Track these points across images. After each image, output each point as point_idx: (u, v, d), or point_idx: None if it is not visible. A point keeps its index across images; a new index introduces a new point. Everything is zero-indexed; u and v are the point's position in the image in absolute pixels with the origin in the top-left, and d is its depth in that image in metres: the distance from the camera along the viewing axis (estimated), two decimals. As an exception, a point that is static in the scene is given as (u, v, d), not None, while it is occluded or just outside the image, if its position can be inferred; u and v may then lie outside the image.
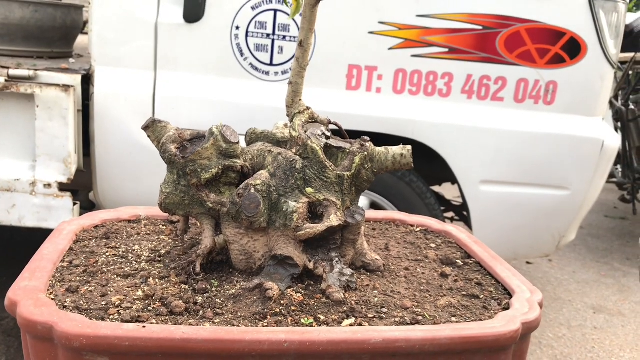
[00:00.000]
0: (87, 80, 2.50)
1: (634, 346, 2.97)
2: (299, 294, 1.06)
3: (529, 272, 3.87)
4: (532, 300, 1.08)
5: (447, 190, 3.47)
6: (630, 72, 4.42)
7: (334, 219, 1.09)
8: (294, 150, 1.16)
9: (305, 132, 1.17)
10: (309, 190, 1.12)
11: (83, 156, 2.57)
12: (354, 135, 2.59)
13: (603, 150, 2.64)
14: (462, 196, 2.67)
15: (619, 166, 4.72)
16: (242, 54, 2.46)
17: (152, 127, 1.16)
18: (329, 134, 1.21)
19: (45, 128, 2.37)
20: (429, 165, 2.70)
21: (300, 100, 1.23)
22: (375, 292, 1.11)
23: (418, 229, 1.50)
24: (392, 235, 1.45)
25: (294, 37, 2.47)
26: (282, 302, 1.03)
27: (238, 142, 1.14)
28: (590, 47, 2.53)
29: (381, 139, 2.63)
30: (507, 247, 2.77)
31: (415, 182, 2.68)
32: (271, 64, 2.49)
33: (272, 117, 2.51)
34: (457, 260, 1.30)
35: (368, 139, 1.20)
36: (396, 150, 1.20)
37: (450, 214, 3.38)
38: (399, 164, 1.19)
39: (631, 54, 4.34)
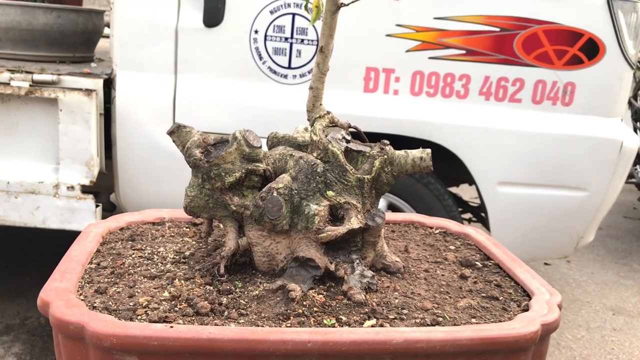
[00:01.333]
0: (109, 84, 2.54)
1: (654, 348, 2.95)
2: (320, 295, 1.09)
3: (547, 274, 3.86)
4: (551, 302, 1.09)
5: (464, 192, 3.47)
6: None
7: (354, 222, 1.11)
8: (315, 154, 1.18)
9: (326, 136, 1.19)
10: (330, 193, 1.14)
11: (105, 159, 2.62)
12: (372, 137, 2.61)
13: (622, 151, 2.63)
14: (480, 197, 2.67)
15: (638, 167, 4.68)
16: (260, 58, 2.49)
17: (177, 132, 1.19)
18: (349, 137, 1.23)
19: (69, 131, 2.42)
20: (447, 166, 2.71)
21: (320, 104, 1.25)
22: (396, 293, 1.13)
23: (437, 231, 1.51)
24: (411, 237, 1.46)
25: (312, 41, 2.49)
26: (304, 303, 1.05)
27: (260, 147, 1.17)
28: (608, 47, 2.52)
29: (399, 141, 2.64)
30: (525, 248, 2.77)
31: (432, 183, 2.69)
32: (289, 67, 2.51)
33: (291, 120, 2.53)
34: (477, 262, 1.31)
35: (388, 142, 1.22)
36: (416, 153, 1.21)
37: (467, 215, 3.38)
38: (418, 167, 1.21)
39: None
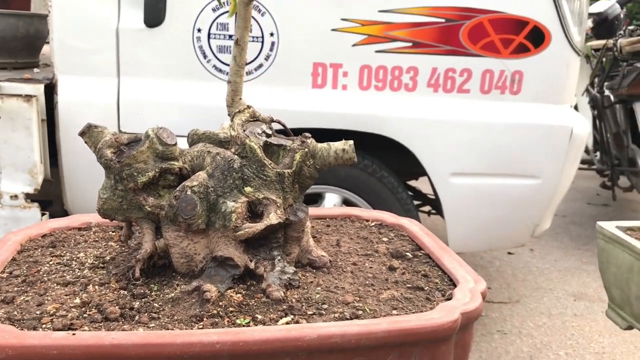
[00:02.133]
0: (52, 90, 2.48)
1: (613, 331, 2.97)
2: (239, 295, 1.05)
3: (511, 262, 3.88)
4: (474, 290, 1.08)
5: (425, 185, 3.46)
6: (605, 59, 4.43)
7: (273, 218, 1.08)
8: (232, 150, 1.15)
9: (244, 131, 1.16)
10: (247, 189, 1.11)
11: (51, 166, 2.55)
12: (322, 133, 2.59)
13: (572, 137, 2.64)
14: (433, 189, 2.67)
15: (597, 153, 4.73)
16: (205, 57, 2.45)
17: (89, 133, 1.15)
18: (270, 132, 1.20)
19: (9, 139, 2.35)
20: (401, 160, 2.70)
21: (240, 99, 1.22)
22: (318, 288, 1.10)
23: (373, 224, 1.49)
24: (345, 231, 1.44)
25: (257, 37, 2.46)
26: (220, 303, 1.02)
27: (175, 144, 1.13)
28: (554, 35, 2.53)
29: (350, 136, 2.62)
30: (481, 238, 2.78)
31: (386, 177, 2.67)
32: (235, 65, 2.47)
33: (239, 119, 2.49)
34: (407, 253, 1.29)
35: (309, 135, 1.19)
36: (338, 145, 1.19)
37: (427, 208, 3.38)
38: (341, 159, 1.18)
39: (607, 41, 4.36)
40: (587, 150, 4.95)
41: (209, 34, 2.43)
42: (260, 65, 2.47)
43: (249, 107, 1.22)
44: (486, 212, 2.67)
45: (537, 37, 2.52)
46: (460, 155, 2.58)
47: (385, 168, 2.68)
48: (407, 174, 3.06)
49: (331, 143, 1.20)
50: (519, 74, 2.55)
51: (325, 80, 2.52)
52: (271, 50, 2.47)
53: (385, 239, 1.38)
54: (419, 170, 2.85)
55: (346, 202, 2.71)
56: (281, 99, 2.50)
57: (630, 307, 1.43)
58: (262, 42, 2.46)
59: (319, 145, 1.19)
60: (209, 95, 2.47)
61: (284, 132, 1.29)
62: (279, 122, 1.26)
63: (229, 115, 1.23)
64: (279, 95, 2.49)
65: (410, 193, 3.41)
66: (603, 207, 5.15)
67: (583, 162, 4.97)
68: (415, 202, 3.41)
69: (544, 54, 2.54)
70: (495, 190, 2.64)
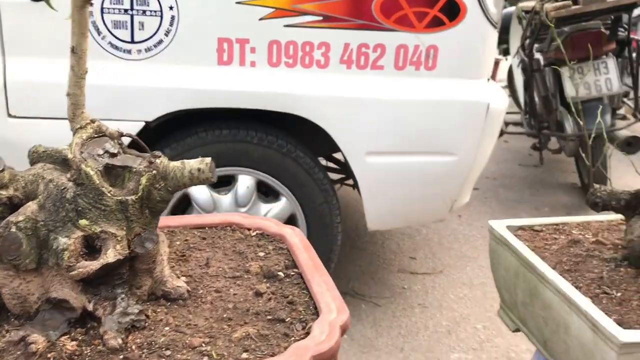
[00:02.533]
0: None
1: (530, 302, 3.02)
2: (74, 342, 0.95)
3: (438, 230, 3.89)
4: (334, 323, 1.01)
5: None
6: (534, 22, 4.38)
7: (110, 255, 0.98)
8: (68, 175, 1.02)
9: (81, 153, 1.03)
10: (82, 222, 1.00)
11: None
12: (233, 113, 2.46)
13: (489, 112, 2.59)
14: (350, 169, 2.59)
15: (527, 116, 4.75)
16: (99, 33, 2.26)
17: None
18: (115, 150, 1.07)
19: None
20: (317, 139, 2.60)
21: (82, 112, 1.09)
22: (167, 328, 1.01)
23: (254, 234, 1.40)
24: (222, 244, 1.34)
25: (155, 12, 2.28)
26: (49, 355, 0.92)
27: (3, 170, 1.00)
28: (469, 7, 2.44)
29: (264, 115, 2.51)
30: (399, 215, 2.74)
31: (302, 157, 2.58)
32: (132, 42, 2.30)
33: (140, 98, 2.35)
34: (279, 273, 1.21)
35: (159, 154, 1.08)
36: (193, 164, 1.08)
37: (352, 181, 3.33)
38: (197, 180, 1.08)
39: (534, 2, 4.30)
40: (520, 111, 4.97)
41: (102, 8, 2.24)
42: (160, 42, 2.31)
43: (92, 121, 1.09)
44: (403, 190, 2.63)
45: (452, 10, 2.43)
46: (376, 134, 2.50)
47: (301, 148, 2.58)
48: (326, 152, 2.97)
49: (185, 161, 1.08)
50: (434, 48, 2.47)
51: (232, 56, 2.38)
52: (171, 25, 2.30)
53: (262, 254, 1.30)
54: (336, 149, 2.78)
55: (261, 184, 2.61)
56: (185, 78, 2.35)
57: (518, 311, 1.41)
58: (161, 16, 2.29)
59: (172, 164, 1.08)
60: (105, 74, 2.29)
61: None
62: (129, 136, 1.13)
63: (71, 130, 1.10)
64: (182, 73, 2.35)
65: (336, 166, 3.35)
66: (534, 169, 5.22)
67: (515, 123, 5.01)
68: (340, 175, 3.36)
69: (460, 28, 2.46)
70: (412, 169, 2.59)
